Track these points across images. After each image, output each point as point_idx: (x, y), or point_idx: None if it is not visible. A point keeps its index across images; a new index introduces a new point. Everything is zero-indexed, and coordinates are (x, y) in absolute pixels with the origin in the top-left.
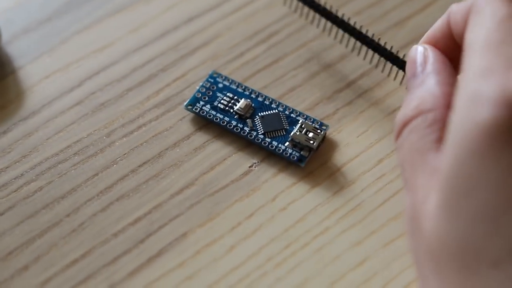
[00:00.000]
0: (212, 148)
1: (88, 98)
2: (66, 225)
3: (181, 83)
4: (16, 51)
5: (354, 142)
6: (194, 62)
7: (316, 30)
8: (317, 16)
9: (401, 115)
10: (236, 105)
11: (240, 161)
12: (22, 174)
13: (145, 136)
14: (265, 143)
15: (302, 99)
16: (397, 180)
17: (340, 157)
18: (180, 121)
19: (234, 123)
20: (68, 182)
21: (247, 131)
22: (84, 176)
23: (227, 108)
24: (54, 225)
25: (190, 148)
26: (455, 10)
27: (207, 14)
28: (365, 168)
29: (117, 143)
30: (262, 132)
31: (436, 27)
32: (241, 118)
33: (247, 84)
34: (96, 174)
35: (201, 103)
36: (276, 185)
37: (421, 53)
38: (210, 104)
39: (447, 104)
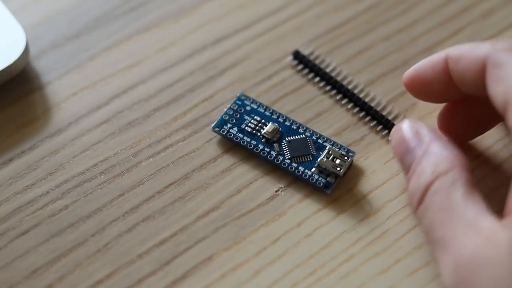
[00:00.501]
0: (238, 171)
1: (116, 116)
2: (91, 245)
3: (209, 104)
4: (44, 67)
5: (381, 169)
6: (222, 83)
7: (344, 56)
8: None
9: (419, 183)
10: (263, 129)
11: (267, 185)
12: (47, 192)
13: (172, 157)
14: (291, 168)
15: (329, 124)
16: None
17: (366, 184)
18: (207, 143)
19: (261, 146)
20: (94, 201)
21: (274, 155)
22: (110, 196)
23: (254, 131)
24: (79, 244)
25: (216, 171)
26: (455, 59)
27: (236, 36)
28: (391, 196)
29: (143, 163)
30: (289, 156)
31: (427, 68)
32: (268, 142)
33: (274, 107)
34: (122, 194)
35: (229, 125)
36: (302, 211)
37: (408, 128)
38: (238, 127)
39: (461, 164)
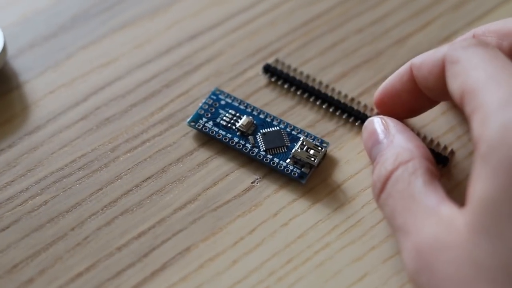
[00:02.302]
0: (214, 164)
1: (93, 113)
2: (70, 239)
3: (185, 99)
4: (22, 66)
5: (355, 159)
6: (198, 78)
7: (318, 49)
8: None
9: (381, 171)
10: (238, 122)
11: (242, 177)
12: (27, 188)
13: (149, 151)
14: (266, 159)
15: (302, 117)
16: None
17: (341, 174)
18: (183, 137)
19: (236, 139)
20: (73, 196)
21: (249, 147)
22: (89, 191)
23: (229, 125)
24: (58, 238)
25: (193, 164)
26: (418, 65)
27: (211, 31)
28: (365, 185)
29: (121, 158)
30: (264, 148)
31: (395, 81)
32: (243, 135)
33: (249, 101)
34: (101, 189)
35: (204, 119)
36: (278, 201)
37: (379, 123)
38: (213, 121)
39: (422, 154)
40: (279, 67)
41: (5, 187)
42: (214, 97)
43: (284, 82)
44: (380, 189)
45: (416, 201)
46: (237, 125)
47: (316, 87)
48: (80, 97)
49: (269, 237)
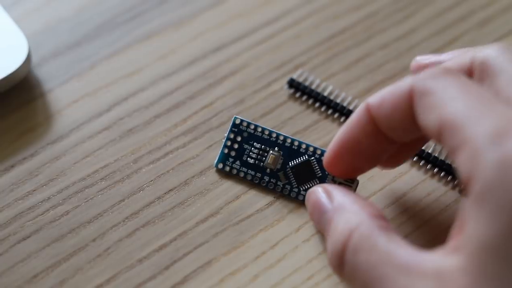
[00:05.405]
0: (237, 178)
1: (116, 123)
2: (91, 250)
3: (209, 111)
4: (45, 74)
5: (378, 175)
6: (222, 91)
7: (343, 64)
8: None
9: (334, 245)
10: (265, 157)
11: (265, 192)
12: (49, 198)
13: (171, 163)
14: (300, 197)
15: (327, 131)
16: (419, 215)
17: (364, 190)
18: (206, 149)
19: (266, 179)
20: (95, 207)
21: (281, 186)
22: (111, 202)
23: (257, 162)
24: (79, 249)
25: (215, 177)
26: (377, 104)
27: (235, 44)
28: (389, 202)
29: (143, 170)
30: (296, 185)
31: (352, 127)
32: (273, 171)
33: (273, 114)
34: (123, 200)
35: (231, 160)
36: (300, 216)
37: (321, 192)
38: (240, 160)
39: (370, 213)
40: (303, 81)
41: (26, 196)
42: (236, 130)
43: (309, 96)
44: (339, 264)
45: (389, 264)
46: (264, 163)
47: (340, 102)
48: (103, 107)
49: (291, 252)
